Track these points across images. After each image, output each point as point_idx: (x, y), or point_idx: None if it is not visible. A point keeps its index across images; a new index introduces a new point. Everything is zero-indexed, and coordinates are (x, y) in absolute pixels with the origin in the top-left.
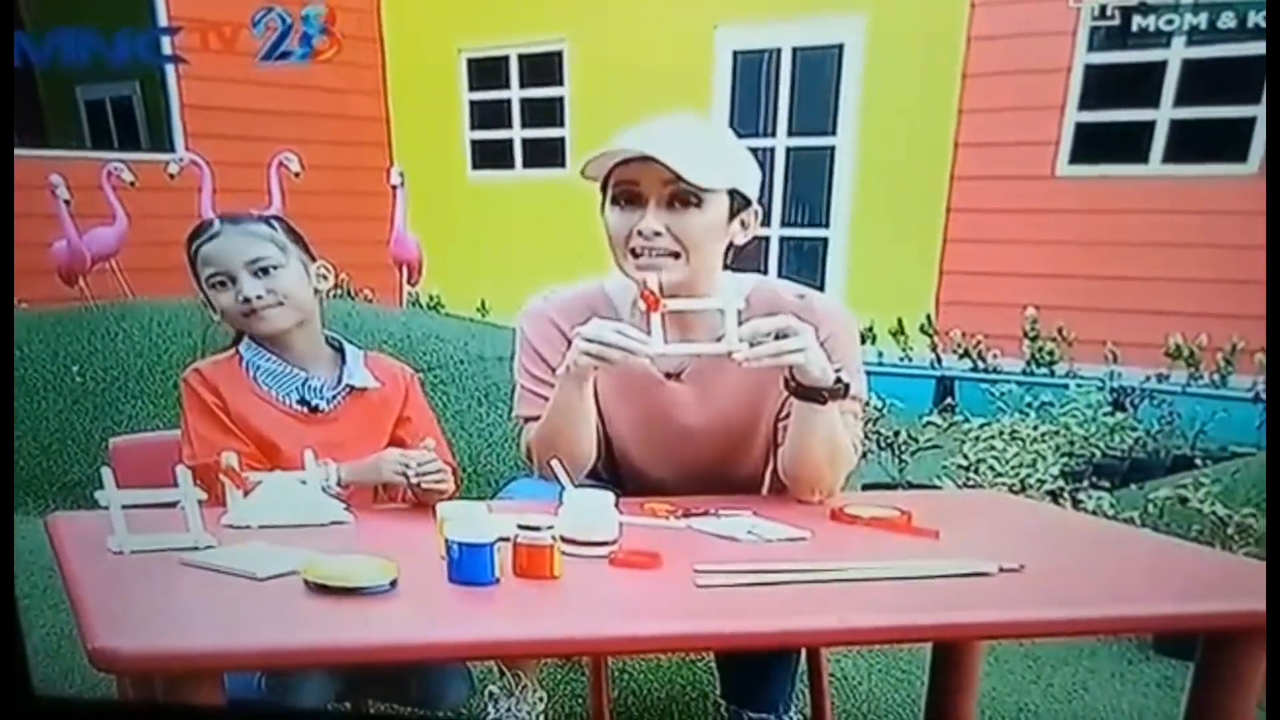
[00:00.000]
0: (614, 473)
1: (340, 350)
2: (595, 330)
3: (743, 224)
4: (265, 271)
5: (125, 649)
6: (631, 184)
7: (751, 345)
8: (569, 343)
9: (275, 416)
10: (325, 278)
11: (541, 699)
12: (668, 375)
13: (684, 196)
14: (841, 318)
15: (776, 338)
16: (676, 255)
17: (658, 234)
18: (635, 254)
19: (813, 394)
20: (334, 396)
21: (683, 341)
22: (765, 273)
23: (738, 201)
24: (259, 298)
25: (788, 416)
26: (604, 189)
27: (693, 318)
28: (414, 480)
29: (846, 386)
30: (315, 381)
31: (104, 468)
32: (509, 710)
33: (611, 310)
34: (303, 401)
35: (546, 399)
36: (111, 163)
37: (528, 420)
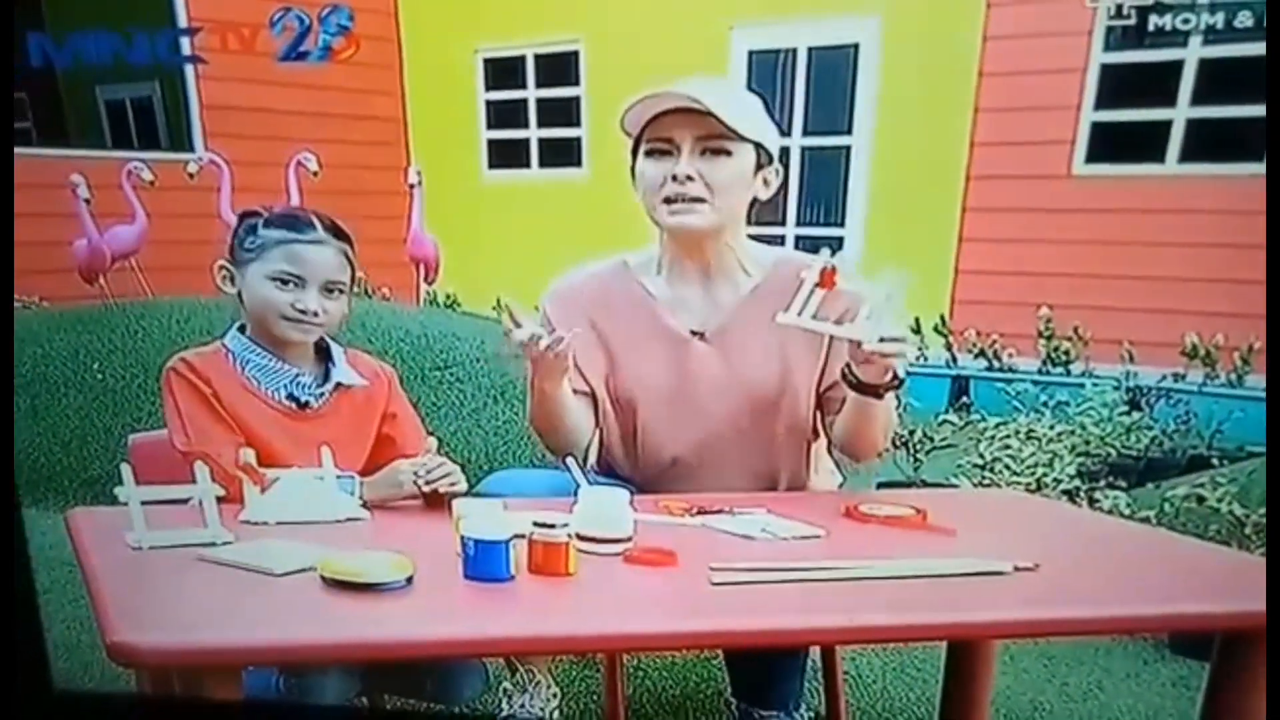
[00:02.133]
0: (630, 452)
1: (325, 348)
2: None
3: (765, 181)
4: (332, 293)
5: (143, 644)
6: (666, 138)
7: (881, 340)
8: (586, 321)
9: (264, 412)
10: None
11: (555, 695)
12: (693, 334)
13: (715, 146)
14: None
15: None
16: (704, 201)
17: (690, 178)
18: (668, 201)
19: (872, 390)
20: (322, 394)
21: (706, 292)
22: None
23: (762, 156)
24: (315, 313)
25: (832, 388)
26: (635, 146)
27: (718, 270)
28: (425, 488)
29: (902, 381)
30: (304, 378)
31: (123, 464)
32: (522, 706)
33: (634, 278)
34: (291, 398)
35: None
36: (131, 162)
37: None
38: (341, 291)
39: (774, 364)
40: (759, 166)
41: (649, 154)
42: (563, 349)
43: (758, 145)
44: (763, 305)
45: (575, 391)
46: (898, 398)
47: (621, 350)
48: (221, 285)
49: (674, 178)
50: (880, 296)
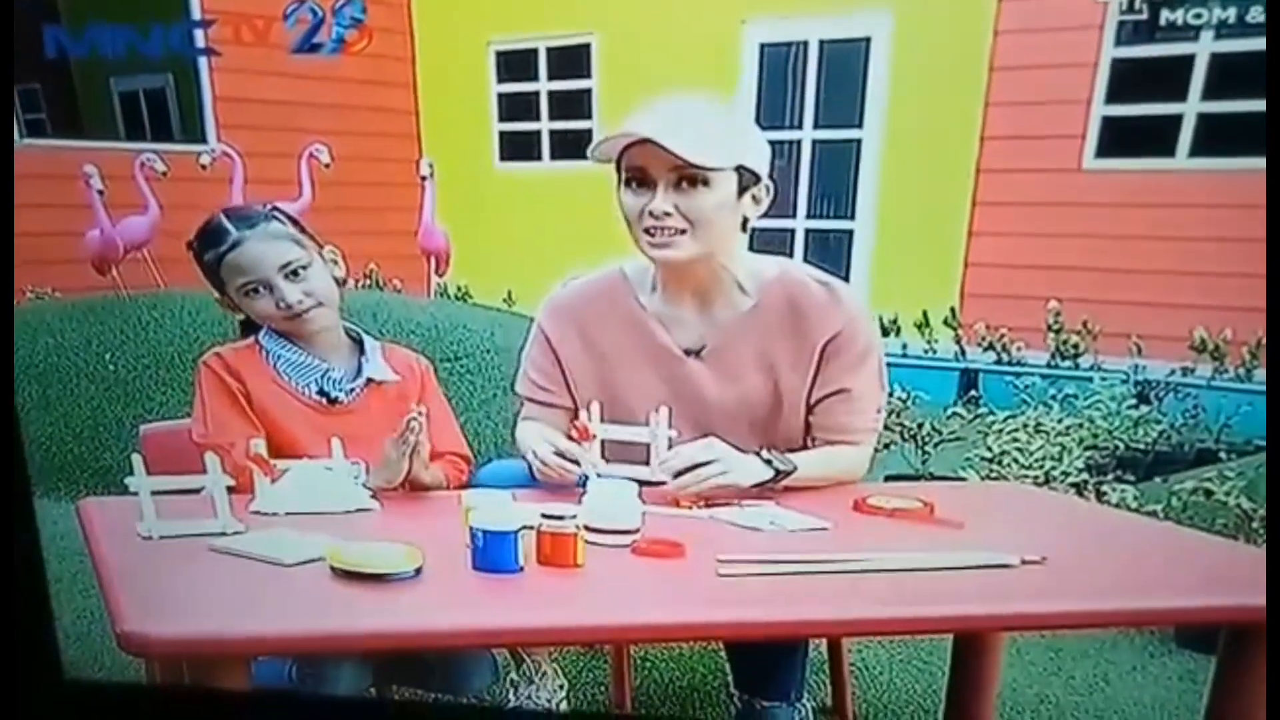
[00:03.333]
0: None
1: (359, 342)
2: (545, 456)
3: (754, 199)
4: (297, 274)
5: (154, 633)
6: (640, 168)
7: (676, 475)
8: (580, 335)
9: (294, 407)
10: (336, 263)
11: (562, 686)
12: (687, 352)
13: (691, 177)
14: (860, 313)
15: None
16: (685, 232)
17: (667, 214)
18: (649, 232)
19: (762, 487)
20: (353, 389)
21: (702, 311)
22: None
23: (746, 178)
24: (299, 302)
25: (819, 403)
26: (617, 170)
27: (713, 290)
28: (401, 448)
29: (787, 473)
30: (335, 373)
31: (134, 454)
32: (529, 698)
33: (630, 292)
34: (322, 393)
35: (543, 387)
36: (144, 153)
37: (526, 400)
38: (305, 266)
39: (768, 383)
40: (744, 188)
41: (627, 183)
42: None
43: (739, 168)
44: (759, 325)
45: (554, 406)
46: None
47: (615, 365)
48: (234, 317)
49: (651, 213)
50: (658, 441)
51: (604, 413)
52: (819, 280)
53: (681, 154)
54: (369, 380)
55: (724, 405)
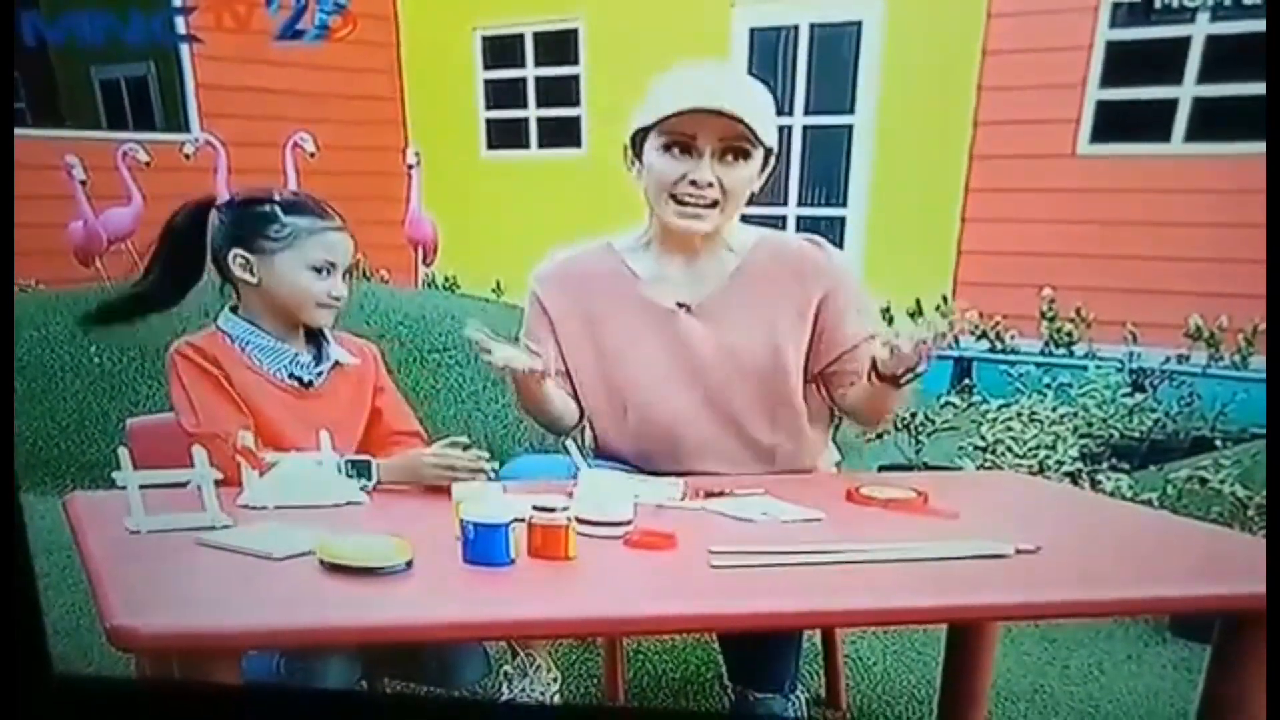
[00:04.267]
0: (623, 429)
1: (314, 331)
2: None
3: (761, 176)
4: (345, 277)
5: (142, 628)
6: (690, 135)
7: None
8: (574, 304)
9: (271, 391)
10: None
11: (556, 679)
12: (678, 304)
13: (738, 150)
14: (847, 263)
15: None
16: (715, 204)
17: (709, 184)
18: (679, 200)
19: (894, 380)
20: (321, 371)
21: (688, 268)
22: None
23: (767, 154)
24: (341, 298)
25: (836, 362)
26: (644, 134)
27: (704, 252)
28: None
29: (920, 373)
30: (303, 357)
31: (121, 448)
32: (523, 690)
33: (618, 259)
34: (293, 377)
35: (538, 354)
36: (127, 143)
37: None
38: (349, 273)
39: (760, 339)
40: (764, 164)
41: (668, 148)
42: (538, 369)
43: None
44: (746, 283)
45: (555, 372)
46: (895, 417)
47: (608, 329)
48: (241, 274)
49: (693, 181)
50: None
51: (600, 374)
52: (804, 239)
53: (754, 126)
54: (335, 364)
55: (717, 359)
